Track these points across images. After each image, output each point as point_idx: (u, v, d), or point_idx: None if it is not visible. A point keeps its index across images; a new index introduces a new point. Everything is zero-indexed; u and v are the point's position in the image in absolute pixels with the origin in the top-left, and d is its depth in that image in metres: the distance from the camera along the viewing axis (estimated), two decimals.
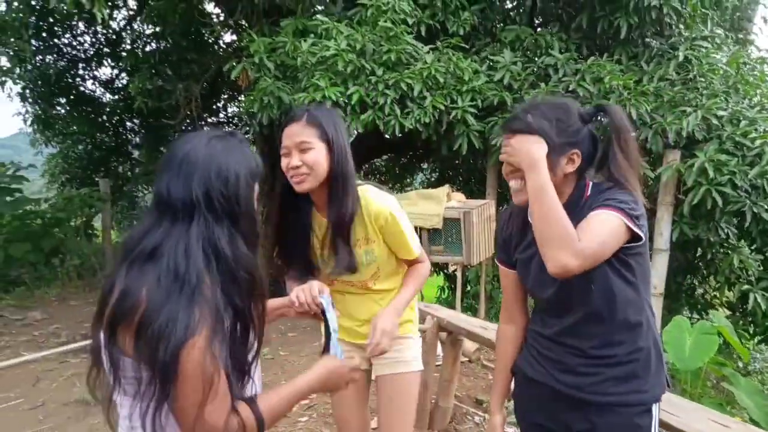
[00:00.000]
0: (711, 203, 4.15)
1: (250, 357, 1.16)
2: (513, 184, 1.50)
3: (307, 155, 1.64)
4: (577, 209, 1.42)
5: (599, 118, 1.50)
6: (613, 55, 5.08)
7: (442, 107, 4.60)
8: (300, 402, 1.30)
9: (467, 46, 5.16)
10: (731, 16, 6.40)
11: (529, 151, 1.38)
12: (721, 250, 5.09)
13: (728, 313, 5.50)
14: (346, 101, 4.54)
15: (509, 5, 6.26)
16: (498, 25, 5.81)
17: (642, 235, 1.35)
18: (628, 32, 4.94)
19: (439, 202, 4.14)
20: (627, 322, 1.43)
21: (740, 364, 5.40)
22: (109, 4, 8.40)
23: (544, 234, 1.33)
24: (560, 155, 1.40)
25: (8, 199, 6.10)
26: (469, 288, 6.06)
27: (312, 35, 4.90)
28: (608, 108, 1.45)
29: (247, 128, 7.55)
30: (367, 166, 10.68)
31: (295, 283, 1.73)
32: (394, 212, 1.75)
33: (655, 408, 1.46)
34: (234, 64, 5.28)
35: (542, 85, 4.77)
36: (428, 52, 4.77)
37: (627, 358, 1.44)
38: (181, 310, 1.02)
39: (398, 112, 4.55)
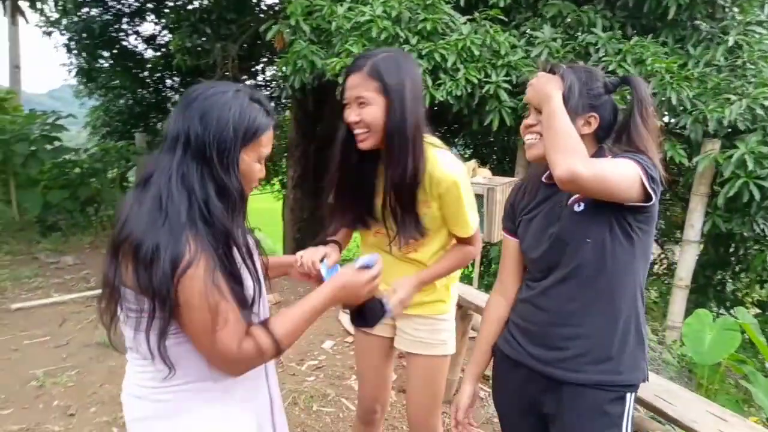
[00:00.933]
0: (748, 197, 3.99)
1: (248, 295, 1.21)
2: (528, 138, 1.50)
3: (364, 111, 1.54)
4: None
5: (622, 89, 1.50)
6: (658, 36, 4.87)
7: (476, 81, 4.50)
8: (319, 315, 1.31)
9: (506, 19, 5.02)
10: None
11: (546, 85, 1.40)
12: (755, 247, 4.93)
13: (758, 311, 5.35)
14: None
15: None
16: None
17: (654, 196, 1.32)
18: (677, 13, 4.72)
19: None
20: (611, 292, 1.41)
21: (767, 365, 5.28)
22: None
23: (555, 141, 1.32)
24: (578, 115, 1.41)
25: (48, 147, 6.28)
26: (492, 266, 6.02)
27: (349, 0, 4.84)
28: (633, 79, 1.45)
29: (280, 91, 7.55)
30: None
31: (339, 232, 1.77)
32: (459, 181, 1.62)
33: (629, 398, 1.42)
34: (271, 26, 5.28)
35: (581, 63, 4.62)
36: (465, 23, 4.67)
37: (603, 332, 1.41)
38: (165, 237, 1.07)
39: (430, 82, 4.48)
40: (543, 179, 1.54)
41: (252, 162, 1.23)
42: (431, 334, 1.84)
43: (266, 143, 1.25)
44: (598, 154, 1.45)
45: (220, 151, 1.16)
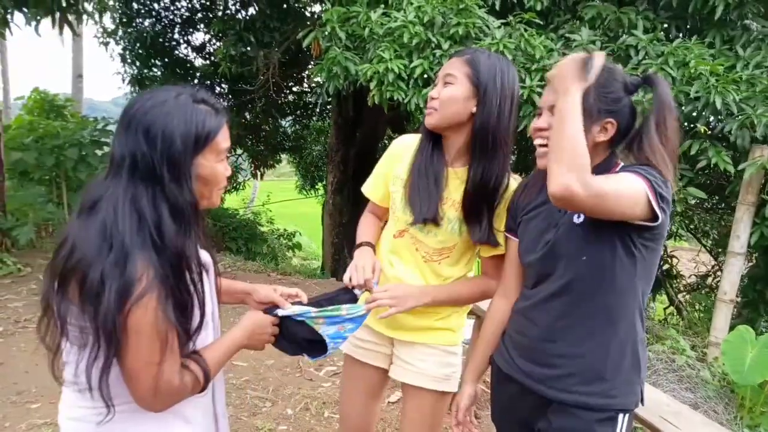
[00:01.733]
0: None
1: (192, 326, 1.17)
2: (538, 142, 1.41)
3: (446, 89, 1.53)
4: None
5: (645, 91, 1.38)
6: (705, 37, 4.66)
7: None
8: (237, 352, 1.32)
9: (542, 23, 4.91)
10: None
11: (568, 75, 1.23)
12: None
13: None
14: (408, 74, 4.47)
15: None
16: (582, 1, 5.48)
17: (660, 216, 1.21)
18: (725, 12, 4.50)
19: None
20: (607, 312, 1.31)
21: None
22: None
23: (558, 148, 1.19)
24: (594, 121, 1.30)
25: (98, 152, 6.55)
26: None
27: (383, 5, 4.85)
28: (656, 79, 1.31)
29: (317, 97, 7.65)
30: None
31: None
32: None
33: (621, 419, 1.33)
34: (308, 33, 5.34)
35: (620, 66, 4.46)
36: (499, 27, 4.59)
37: (595, 352, 1.32)
38: (110, 268, 1.02)
39: None
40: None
41: (213, 165, 1.17)
42: (438, 367, 1.69)
43: (223, 140, 1.18)
44: (608, 161, 1.36)
45: (170, 168, 1.09)
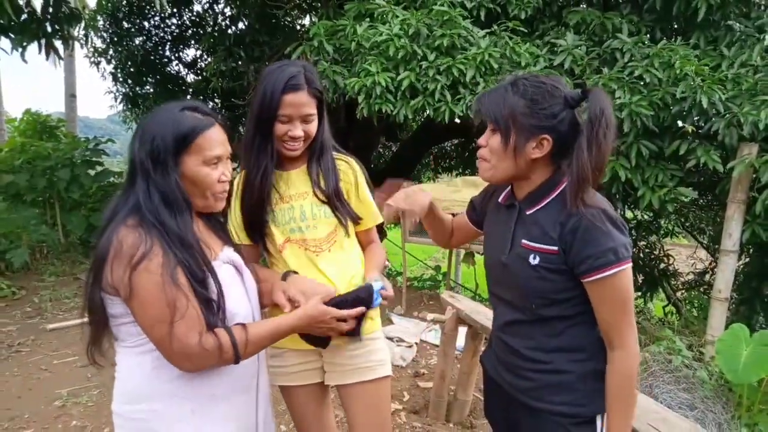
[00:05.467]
0: None
1: (212, 300, 1.27)
2: (478, 159, 1.41)
3: (309, 126, 1.65)
4: (544, 200, 1.34)
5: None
6: (689, 39, 4.69)
7: None
8: (282, 337, 1.42)
9: (527, 30, 4.94)
10: None
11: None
12: None
13: None
14: (396, 86, 4.49)
15: None
16: (567, 7, 5.52)
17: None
18: (708, 13, 4.53)
19: None
20: (569, 334, 1.36)
21: None
22: None
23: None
24: (527, 139, 1.29)
25: (91, 171, 6.56)
26: None
27: (368, 19, 4.88)
28: (592, 93, 1.29)
29: None
30: (435, 149, 10.58)
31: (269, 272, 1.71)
32: (358, 171, 1.78)
33: (599, 420, 1.35)
34: (296, 47, 5.36)
35: (605, 70, 4.49)
36: (484, 37, 4.61)
37: (563, 367, 1.36)
38: (105, 242, 1.20)
39: (449, 98, 4.45)
40: (500, 200, 1.49)
41: (197, 166, 1.29)
42: (368, 356, 1.73)
43: (208, 145, 1.29)
44: (553, 179, 1.35)
45: (155, 163, 1.24)
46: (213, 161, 1.30)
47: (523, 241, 1.35)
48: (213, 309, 1.25)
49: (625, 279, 1.26)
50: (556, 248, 1.28)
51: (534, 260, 1.32)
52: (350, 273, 1.72)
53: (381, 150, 11.40)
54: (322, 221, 1.70)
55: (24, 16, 4.89)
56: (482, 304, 3.40)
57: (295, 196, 1.72)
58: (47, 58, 5.45)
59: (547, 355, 1.37)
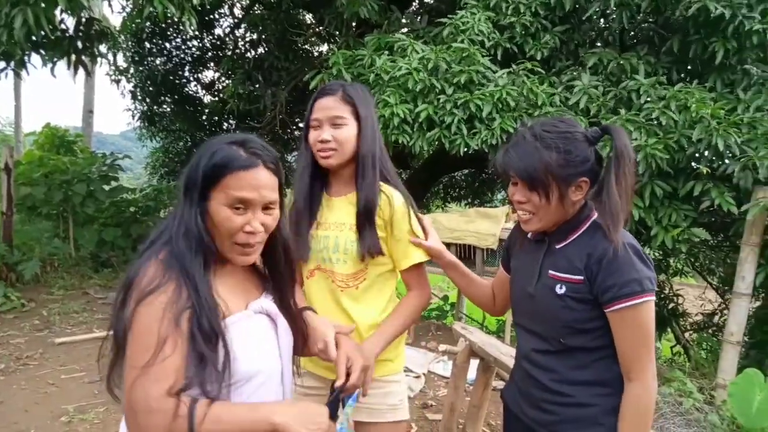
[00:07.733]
0: None
1: (210, 359, 1.08)
2: (521, 213, 1.44)
3: (339, 131, 1.59)
4: (573, 234, 1.39)
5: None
6: (706, 81, 4.73)
7: (512, 130, 4.49)
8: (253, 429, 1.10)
9: (543, 70, 5.01)
10: None
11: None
12: None
13: None
14: (413, 118, 4.55)
15: (599, 25, 6.00)
16: (584, 47, 5.59)
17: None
18: (725, 57, 4.58)
19: (497, 222, 4.05)
20: (594, 367, 1.37)
21: None
22: (214, 14, 8.99)
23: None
24: (568, 186, 1.34)
25: (105, 187, 6.63)
26: None
27: (387, 52, 4.97)
28: (613, 130, 1.36)
29: None
30: (446, 179, 10.63)
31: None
32: (407, 206, 1.66)
33: None
34: (315, 75, 5.45)
35: (622, 111, 4.53)
36: (502, 75, 4.68)
37: (586, 401, 1.36)
38: (135, 270, 1.12)
39: (465, 131, 4.50)
40: (529, 235, 1.51)
41: (219, 206, 1.14)
42: (382, 398, 1.67)
43: (236, 185, 1.14)
44: (580, 214, 1.39)
45: (185, 191, 1.17)
46: (236, 204, 1.14)
47: (551, 272, 1.39)
48: (205, 367, 1.06)
49: (648, 311, 1.28)
50: (581, 278, 1.32)
51: (560, 290, 1.35)
52: (372, 316, 1.67)
53: None
54: (352, 257, 1.63)
55: (57, 33, 5.01)
56: (493, 336, 3.39)
57: (334, 225, 1.67)
58: (75, 74, 5.56)
59: (572, 388, 1.37)
